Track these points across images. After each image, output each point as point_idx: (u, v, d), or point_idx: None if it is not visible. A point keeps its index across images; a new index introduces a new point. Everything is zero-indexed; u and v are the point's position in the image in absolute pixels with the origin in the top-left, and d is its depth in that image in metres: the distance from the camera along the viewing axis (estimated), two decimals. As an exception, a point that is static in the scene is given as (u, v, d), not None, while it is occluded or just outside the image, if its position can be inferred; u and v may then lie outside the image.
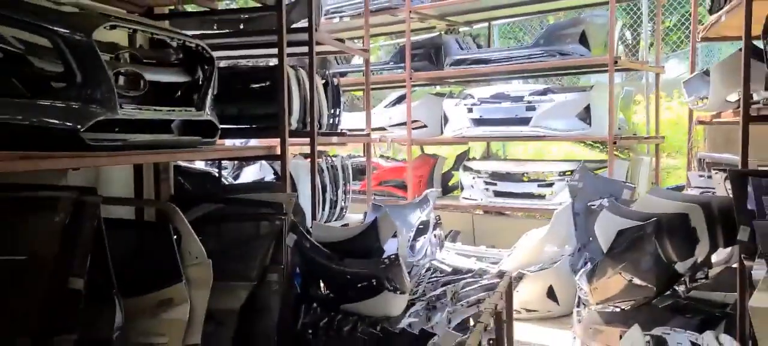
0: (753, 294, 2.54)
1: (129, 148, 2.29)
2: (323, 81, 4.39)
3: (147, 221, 2.89)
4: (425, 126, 6.90)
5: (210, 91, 2.78)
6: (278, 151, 3.29)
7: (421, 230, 4.82)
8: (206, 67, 2.77)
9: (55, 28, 1.96)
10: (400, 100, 7.15)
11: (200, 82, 2.76)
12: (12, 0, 1.90)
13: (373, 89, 7.08)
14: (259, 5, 3.67)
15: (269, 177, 6.43)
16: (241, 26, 4.77)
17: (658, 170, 6.34)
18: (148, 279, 2.47)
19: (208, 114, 2.77)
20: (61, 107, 2.00)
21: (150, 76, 2.46)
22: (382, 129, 6.95)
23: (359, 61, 7.42)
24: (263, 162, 6.33)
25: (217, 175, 5.40)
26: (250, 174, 6.42)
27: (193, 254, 2.60)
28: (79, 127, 2.02)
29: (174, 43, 2.60)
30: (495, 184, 6.21)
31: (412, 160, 6.78)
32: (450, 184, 7.30)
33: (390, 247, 3.39)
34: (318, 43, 3.97)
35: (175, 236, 2.56)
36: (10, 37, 1.97)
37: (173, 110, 2.55)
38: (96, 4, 2.66)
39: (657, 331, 2.95)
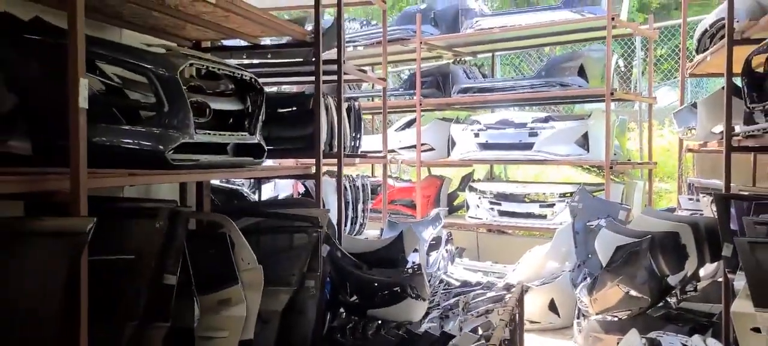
0: (734, 301, 2.88)
1: (199, 168, 2.63)
2: (346, 106, 4.74)
3: (205, 231, 3.21)
4: (433, 149, 7.27)
5: (260, 118, 3.13)
6: (313, 171, 3.63)
7: (433, 245, 5.16)
8: (256, 96, 3.12)
9: (150, 67, 2.31)
10: (409, 124, 7.52)
11: (251, 110, 3.11)
12: (117, 44, 2.25)
13: (380, 113, 7.46)
14: (293, 40, 4.01)
15: (283, 194, 6.78)
16: (269, 56, 5.15)
17: (651, 193, 6.70)
18: (209, 281, 2.79)
19: (257, 138, 3.11)
20: (151, 132, 2.34)
21: (214, 105, 2.81)
22: (392, 151, 7.30)
23: (367, 86, 7.81)
24: (277, 180, 6.69)
25: (242, 192, 5.75)
26: (266, 191, 6.78)
27: (246, 260, 2.92)
28: (161, 148, 2.37)
29: (235, 76, 2.95)
30: (500, 204, 6.56)
31: (420, 181, 7.13)
32: (455, 203, 7.65)
33: (412, 259, 3.72)
34: (344, 73, 4.32)
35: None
36: (112, 73, 2.32)
37: (233, 135, 2.90)
38: (174, 45, 3.01)
39: (652, 335, 3.28)
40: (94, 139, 2.18)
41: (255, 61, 4.98)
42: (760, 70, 3.22)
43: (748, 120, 3.24)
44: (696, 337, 3.23)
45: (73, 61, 1.79)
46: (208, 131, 2.70)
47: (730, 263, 3.35)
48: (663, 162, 7.82)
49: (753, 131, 3.20)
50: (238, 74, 2.97)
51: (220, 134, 2.80)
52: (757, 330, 2.70)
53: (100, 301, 1.92)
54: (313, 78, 4.47)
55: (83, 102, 1.81)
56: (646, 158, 6.81)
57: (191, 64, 2.52)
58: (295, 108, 4.54)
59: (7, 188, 1.71)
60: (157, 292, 2.10)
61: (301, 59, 4.97)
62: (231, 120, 3.07)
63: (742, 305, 2.79)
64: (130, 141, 2.29)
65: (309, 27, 5.02)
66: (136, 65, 2.30)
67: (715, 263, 3.94)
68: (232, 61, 3.48)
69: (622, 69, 10.89)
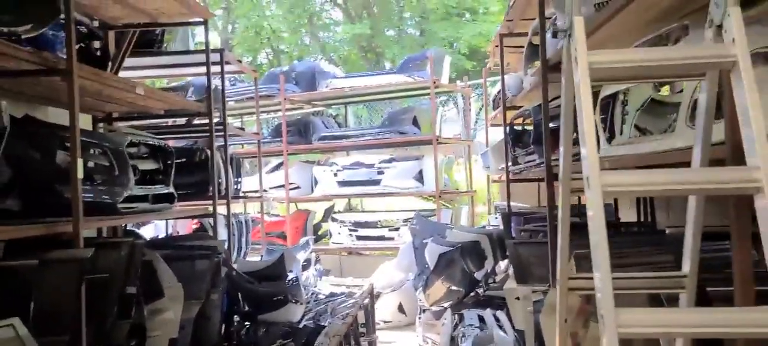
0: (506, 282, 4.28)
1: (135, 213, 3.54)
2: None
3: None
4: (299, 187, 8.36)
5: (171, 173, 4.07)
6: (210, 211, 4.59)
7: (305, 266, 6.23)
8: (167, 157, 4.06)
9: (106, 144, 3.23)
10: (277, 167, 8.56)
11: (164, 167, 4.05)
12: (83, 130, 3.15)
13: (253, 158, 8.45)
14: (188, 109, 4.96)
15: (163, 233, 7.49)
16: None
17: (473, 215, 8.29)
18: (143, 296, 3.66)
19: (170, 188, 4.05)
20: (107, 189, 3.24)
21: (141, 166, 3.73)
22: (265, 190, 8.29)
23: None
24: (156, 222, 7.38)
25: (134, 231, 6.44)
26: (149, 230, 7.48)
27: (168, 281, 3.83)
28: (113, 201, 3.28)
29: (153, 144, 3.87)
30: (357, 230, 7.80)
31: (289, 215, 8.18)
32: (320, 233, 8.77)
33: (290, 274, 4.79)
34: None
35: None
36: (77, 149, 3.20)
37: (155, 187, 3.82)
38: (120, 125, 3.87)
39: (460, 310, 4.62)
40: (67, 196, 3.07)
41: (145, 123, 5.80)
42: (520, 127, 4.74)
43: (514, 161, 4.73)
44: (488, 310, 4.60)
45: (73, 146, 2.71)
46: (141, 186, 3.63)
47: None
48: (481, 190, 9.49)
49: (517, 170, 4.68)
50: (156, 143, 3.92)
51: (146, 187, 3.73)
52: (517, 299, 4.08)
53: (89, 304, 2.81)
54: (191, 134, 5.52)
55: (81, 174, 2.72)
56: (469, 187, 8.41)
57: (130, 141, 3.46)
58: (185, 159, 5.45)
59: (32, 232, 2.59)
60: (123, 298, 3.00)
61: (185, 120, 5.90)
62: (147, 176, 4.01)
63: (510, 283, 4.18)
64: (94, 196, 3.18)
65: (191, 93, 5.97)
66: (96, 143, 3.21)
67: (506, 261, 5.41)
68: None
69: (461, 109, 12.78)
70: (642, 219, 4.00)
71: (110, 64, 4.38)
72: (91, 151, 3.24)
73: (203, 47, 4.77)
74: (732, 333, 1.10)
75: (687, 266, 1.45)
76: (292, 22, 18.18)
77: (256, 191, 6.49)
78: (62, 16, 2.80)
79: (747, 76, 1.12)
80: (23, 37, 2.60)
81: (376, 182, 7.59)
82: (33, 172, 2.98)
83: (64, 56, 2.90)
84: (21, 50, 2.60)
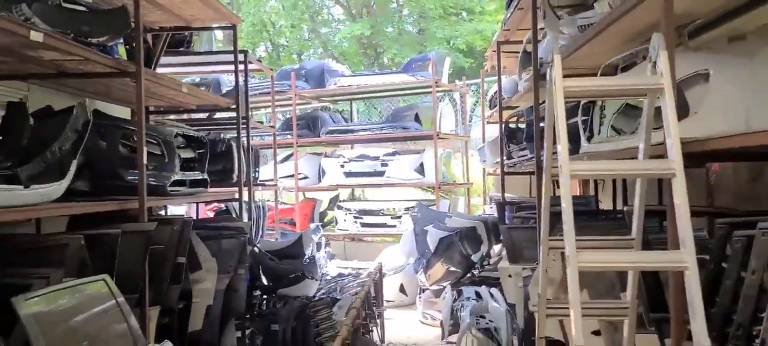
0: (500, 262, 4.79)
1: (179, 195, 4.04)
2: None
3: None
4: (307, 177, 8.86)
5: (206, 162, 4.57)
6: (237, 196, 5.08)
7: (316, 248, 6.74)
8: (202, 147, 4.55)
9: (158, 134, 3.72)
10: (287, 158, 9.05)
11: (199, 156, 4.54)
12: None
13: (266, 149, 8.94)
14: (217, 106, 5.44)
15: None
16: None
17: (469, 205, 8.81)
18: (183, 269, 4.15)
19: (204, 175, 4.54)
20: (159, 174, 3.73)
21: (183, 154, 4.23)
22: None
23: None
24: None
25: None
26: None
27: (203, 256, 4.33)
28: (164, 184, 3.77)
29: (192, 136, 4.36)
30: (361, 217, 8.31)
31: (298, 203, 8.68)
32: (326, 220, 9.27)
33: (307, 253, 5.29)
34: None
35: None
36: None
37: (193, 173, 4.31)
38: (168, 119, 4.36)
39: (458, 288, 5.13)
40: (129, 179, 3.57)
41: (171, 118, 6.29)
42: (514, 125, 5.24)
43: (509, 156, 5.24)
44: (483, 287, 5.12)
45: (139, 137, 3.20)
46: (183, 172, 4.12)
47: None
48: (478, 182, 10.01)
49: (511, 164, 5.19)
50: (193, 134, 4.42)
51: (186, 173, 4.23)
52: (510, 276, 4.59)
53: (150, 270, 3.31)
54: (212, 127, 6.01)
55: (145, 160, 3.22)
56: (465, 179, 8.93)
57: (176, 133, 3.95)
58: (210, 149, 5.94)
59: (106, 207, 3.09)
60: (175, 266, 3.51)
61: (207, 114, 6.40)
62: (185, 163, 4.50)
63: (503, 263, 4.69)
64: (149, 179, 3.67)
65: (212, 90, 6.44)
66: (152, 134, 3.70)
67: (499, 245, 5.92)
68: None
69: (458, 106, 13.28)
70: (617, 207, 4.51)
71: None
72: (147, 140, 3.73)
73: (222, 47, 5.26)
74: (646, 266, 1.59)
75: (634, 230, 1.96)
76: (295, 18, 18.62)
77: (270, 180, 6.98)
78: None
79: (670, 101, 1.62)
80: (107, 45, 3.07)
81: (381, 173, 8.09)
82: (99, 158, 3.48)
83: (119, 57, 3.39)
84: (100, 55, 3.09)
